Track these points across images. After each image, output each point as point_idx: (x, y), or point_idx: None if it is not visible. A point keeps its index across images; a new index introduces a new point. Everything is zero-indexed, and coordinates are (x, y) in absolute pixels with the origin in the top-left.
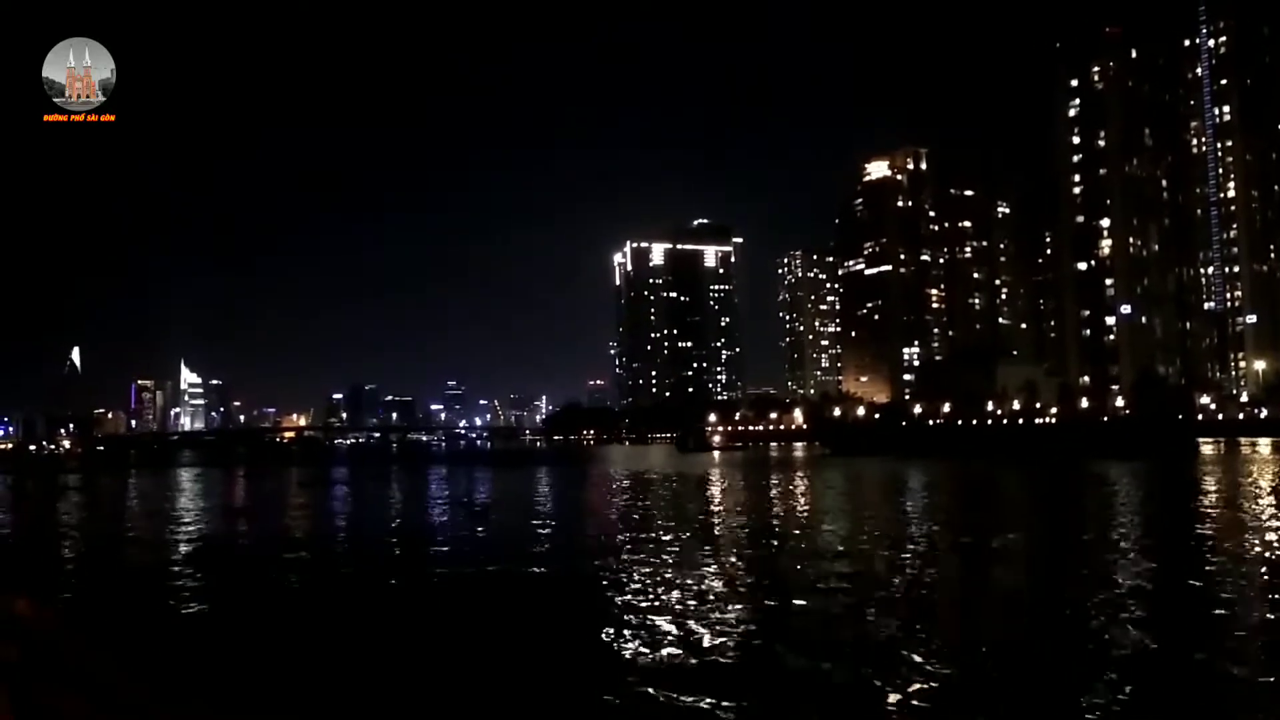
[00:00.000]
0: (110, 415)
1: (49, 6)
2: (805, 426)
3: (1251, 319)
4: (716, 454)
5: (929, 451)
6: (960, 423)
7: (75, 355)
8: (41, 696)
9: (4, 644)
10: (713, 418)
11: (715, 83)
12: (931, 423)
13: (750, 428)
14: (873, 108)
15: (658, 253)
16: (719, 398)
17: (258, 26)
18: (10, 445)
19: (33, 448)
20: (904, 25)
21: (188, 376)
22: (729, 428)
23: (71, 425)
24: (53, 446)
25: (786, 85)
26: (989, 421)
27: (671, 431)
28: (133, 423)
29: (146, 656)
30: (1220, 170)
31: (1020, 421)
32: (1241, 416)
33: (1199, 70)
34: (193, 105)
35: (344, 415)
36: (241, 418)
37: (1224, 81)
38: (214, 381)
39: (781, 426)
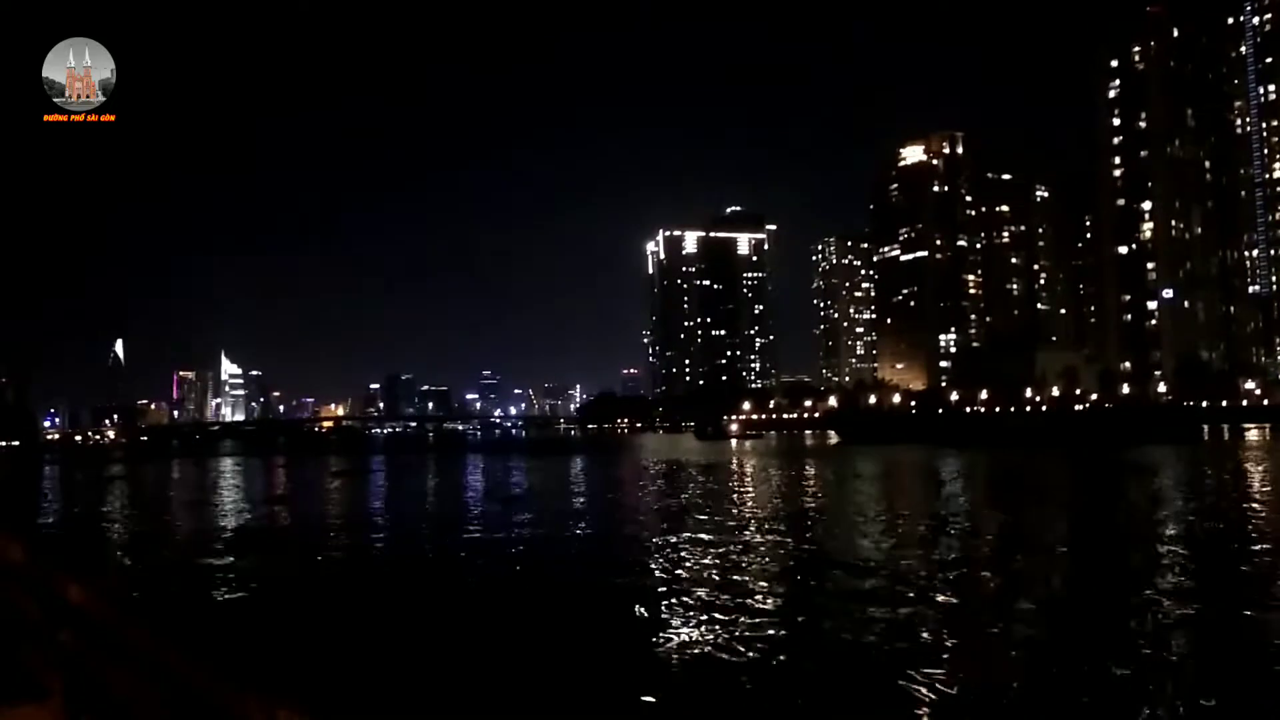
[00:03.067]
0: (153, 406)
1: (49, 6)
2: (821, 415)
3: None
4: (733, 442)
5: (952, 439)
6: (998, 410)
7: (119, 347)
8: (95, 677)
9: (58, 628)
10: (746, 405)
11: (750, 70)
12: (968, 410)
13: (784, 415)
14: (909, 92)
15: (691, 240)
16: (753, 386)
17: (274, 22)
18: (57, 435)
19: (79, 438)
20: (942, 7)
21: (228, 367)
22: (761, 415)
23: (116, 415)
24: (98, 436)
25: (821, 71)
26: (1027, 409)
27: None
28: (175, 413)
29: (195, 638)
30: (1265, 150)
31: (1059, 409)
32: None
33: (1243, 49)
34: (196, 103)
35: (381, 405)
36: (281, 408)
37: (1269, 60)
38: (254, 372)
39: (817, 414)
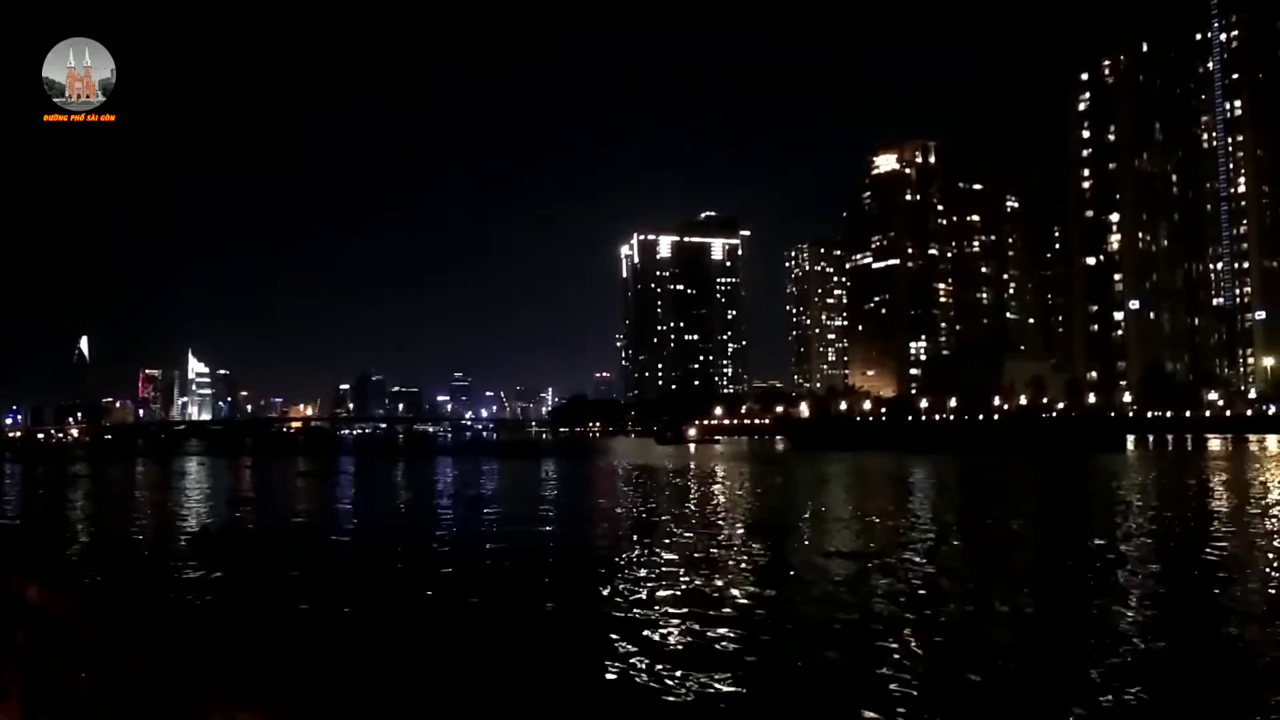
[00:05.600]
0: (118, 404)
1: (49, 6)
2: (787, 421)
3: (1260, 315)
4: (691, 447)
5: (910, 445)
6: (966, 417)
7: (84, 344)
8: (53, 677)
9: (15, 628)
10: (718, 410)
11: (724, 75)
12: (937, 417)
13: (756, 421)
14: (883, 100)
15: (665, 245)
16: (725, 391)
17: (273, 22)
18: (19, 433)
19: (41, 435)
20: (917, 18)
21: (195, 366)
22: (731, 420)
23: (80, 414)
24: (61, 434)
25: (796, 77)
26: (995, 417)
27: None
28: (140, 411)
29: (158, 640)
30: (1230, 165)
31: (1024, 417)
32: (1250, 413)
33: (1210, 64)
34: (194, 103)
35: (350, 406)
36: (249, 407)
37: (1235, 76)
38: (221, 371)
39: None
